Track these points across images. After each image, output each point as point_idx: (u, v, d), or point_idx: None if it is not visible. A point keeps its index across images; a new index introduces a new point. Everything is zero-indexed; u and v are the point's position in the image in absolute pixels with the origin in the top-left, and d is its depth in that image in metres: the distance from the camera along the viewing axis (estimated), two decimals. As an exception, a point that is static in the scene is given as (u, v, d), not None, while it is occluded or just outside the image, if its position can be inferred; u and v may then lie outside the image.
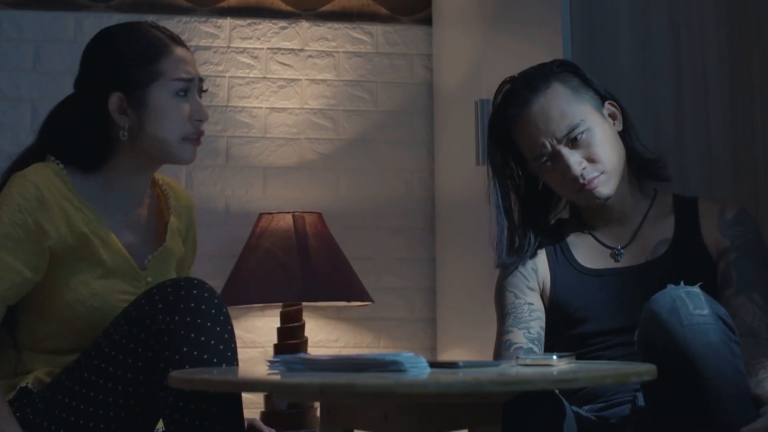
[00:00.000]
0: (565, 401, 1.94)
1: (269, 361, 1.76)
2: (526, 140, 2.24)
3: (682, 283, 1.93)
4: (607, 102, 2.29)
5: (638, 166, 2.31)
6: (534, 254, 2.30)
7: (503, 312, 2.28)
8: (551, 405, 1.89)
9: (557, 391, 1.94)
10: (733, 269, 2.19)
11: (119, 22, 2.30)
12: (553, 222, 2.39)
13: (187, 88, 2.20)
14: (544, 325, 2.25)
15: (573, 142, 2.21)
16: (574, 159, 2.20)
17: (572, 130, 2.20)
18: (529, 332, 2.22)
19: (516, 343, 2.20)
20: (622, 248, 2.28)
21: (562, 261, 2.29)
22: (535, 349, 2.19)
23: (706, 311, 1.86)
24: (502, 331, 2.26)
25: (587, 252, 2.30)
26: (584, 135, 2.20)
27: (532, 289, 2.28)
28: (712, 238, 2.23)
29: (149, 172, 2.28)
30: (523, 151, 2.27)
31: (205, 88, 2.27)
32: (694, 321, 1.84)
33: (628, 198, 2.29)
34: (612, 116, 2.29)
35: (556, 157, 2.21)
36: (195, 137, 2.22)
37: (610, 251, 2.28)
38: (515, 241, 2.29)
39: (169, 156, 2.22)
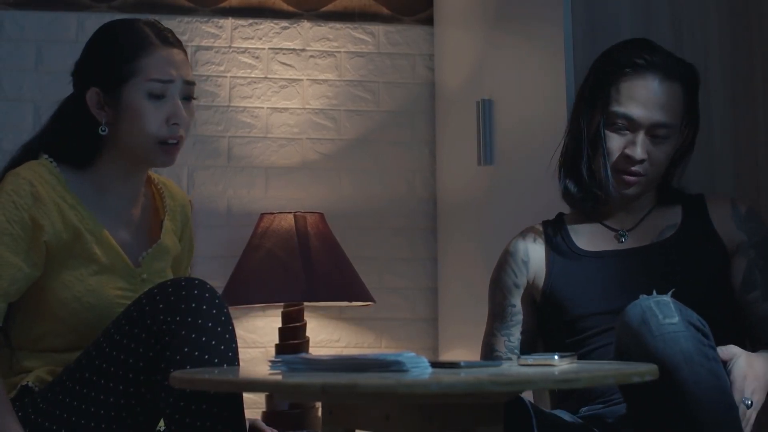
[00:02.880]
0: (529, 405, 1.96)
1: (271, 361, 1.76)
2: (627, 94, 2.25)
3: (654, 292, 1.94)
4: (684, 125, 2.30)
5: (662, 186, 2.33)
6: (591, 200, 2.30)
7: (491, 310, 2.36)
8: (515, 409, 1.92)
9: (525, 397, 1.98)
10: (756, 270, 2.20)
11: (117, 19, 2.29)
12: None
13: (165, 90, 2.16)
14: (521, 327, 2.31)
15: (653, 137, 2.24)
16: (643, 146, 2.23)
17: (663, 128, 2.24)
18: (510, 340, 2.29)
19: (497, 350, 2.30)
20: (626, 231, 2.29)
21: (562, 247, 2.31)
22: (513, 357, 2.27)
23: (676, 319, 1.86)
24: (488, 331, 2.35)
25: (589, 236, 2.31)
26: (664, 140, 2.25)
27: (518, 287, 2.31)
28: (725, 227, 2.25)
29: (139, 171, 2.26)
30: (612, 93, 2.26)
31: (195, 95, 2.22)
32: (665, 330, 1.85)
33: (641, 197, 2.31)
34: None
35: (630, 133, 2.24)
36: (172, 142, 2.18)
37: (614, 233, 2.30)
38: (581, 169, 2.29)
39: (144, 158, 2.20)
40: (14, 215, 2.08)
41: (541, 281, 2.29)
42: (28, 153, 2.22)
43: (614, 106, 2.25)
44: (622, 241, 2.29)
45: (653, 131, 2.24)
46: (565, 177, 2.32)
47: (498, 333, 2.31)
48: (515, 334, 2.29)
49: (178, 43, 2.22)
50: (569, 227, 2.34)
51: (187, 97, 2.21)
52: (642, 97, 2.24)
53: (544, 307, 2.29)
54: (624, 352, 1.90)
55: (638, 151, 2.22)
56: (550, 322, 2.28)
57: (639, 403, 1.91)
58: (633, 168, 2.23)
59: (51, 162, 2.17)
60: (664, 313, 1.87)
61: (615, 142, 2.26)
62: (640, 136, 2.23)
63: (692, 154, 2.35)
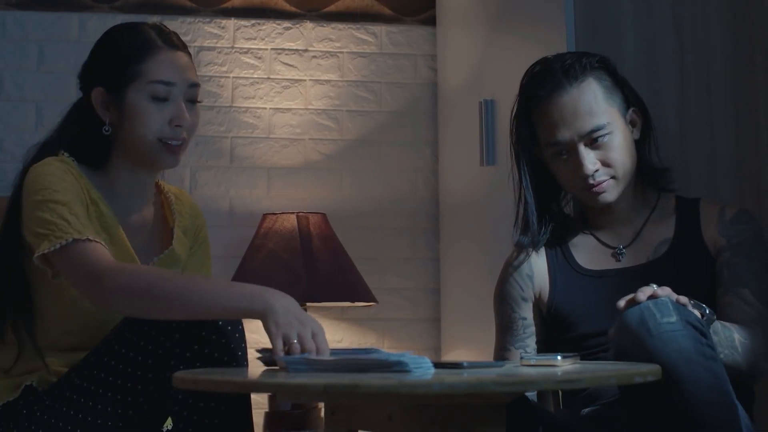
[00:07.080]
0: (535, 405, 1.95)
1: (258, 351, 1.77)
2: (546, 125, 2.22)
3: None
4: (631, 108, 2.28)
5: (646, 174, 2.30)
6: (543, 240, 2.30)
7: (501, 324, 2.32)
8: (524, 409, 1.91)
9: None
10: (725, 268, 2.19)
11: (124, 22, 2.30)
12: (564, 210, 2.39)
13: (168, 92, 2.16)
14: (536, 338, 2.28)
15: (592, 142, 2.20)
16: (589, 159, 2.20)
17: (596, 130, 2.19)
18: (526, 351, 2.26)
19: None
20: (623, 248, 2.27)
21: (563, 264, 2.29)
22: None
23: (674, 318, 1.86)
24: (499, 346, 2.31)
25: (589, 253, 2.30)
26: (606, 138, 2.20)
27: (526, 300, 2.29)
28: (711, 235, 2.23)
29: (147, 174, 2.26)
30: (538, 133, 2.25)
31: (200, 98, 2.23)
32: (663, 329, 1.84)
33: (632, 200, 2.29)
34: (632, 123, 2.28)
35: (571, 152, 2.21)
36: (175, 143, 2.18)
37: (611, 251, 2.28)
38: (531, 222, 2.29)
39: (147, 159, 2.20)
40: (70, 181, 2.10)
41: (546, 295, 2.28)
42: (46, 151, 2.21)
43: (543, 139, 2.24)
44: (619, 260, 2.27)
45: (589, 139, 2.20)
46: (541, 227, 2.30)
47: (511, 347, 2.27)
48: (531, 345, 2.27)
49: (182, 46, 2.22)
50: (569, 241, 2.32)
51: (192, 100, 2.21)
52: (559, 117, 2.20)
53: (549, 321, 2.28)
54: (622, 353, 1.90)
55: (587, 166, 2.19)
56: (555, 337, 2.27)
57: (637, 403, 1.91)
58: (593, 181, 2.20)
59: (72, 159, 2.18)
60: (662, 312, 1.87)
61: (565, 171, 2.23)
62: (580, 150, 2.20)
63: (653, 130, 2.30)
